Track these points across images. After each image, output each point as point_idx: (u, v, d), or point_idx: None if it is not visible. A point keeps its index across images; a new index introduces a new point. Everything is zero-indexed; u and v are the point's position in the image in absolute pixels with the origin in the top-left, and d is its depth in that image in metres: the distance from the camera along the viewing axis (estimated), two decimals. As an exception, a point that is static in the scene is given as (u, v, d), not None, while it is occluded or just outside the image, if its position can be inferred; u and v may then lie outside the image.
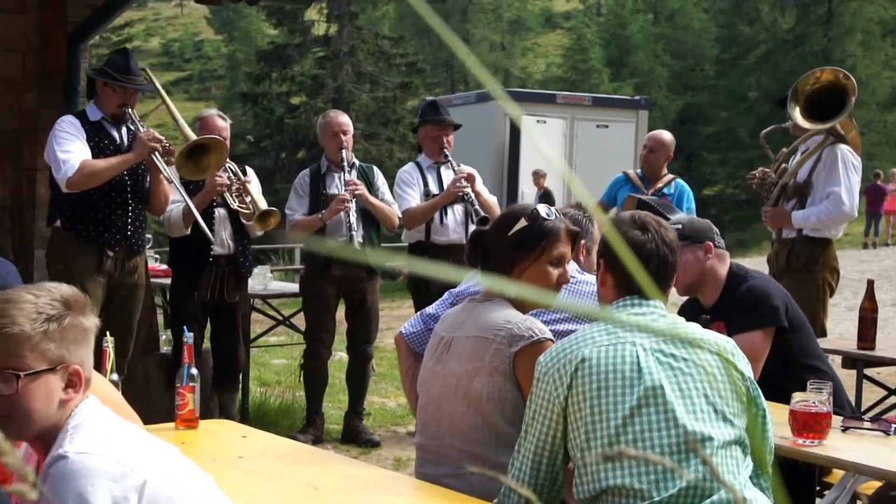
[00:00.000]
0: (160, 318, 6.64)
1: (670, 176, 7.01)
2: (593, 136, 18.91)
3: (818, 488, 4.00)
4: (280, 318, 7.52)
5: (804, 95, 5.71)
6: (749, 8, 42.85)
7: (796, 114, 5.68)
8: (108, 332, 3.39)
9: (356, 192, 6.09)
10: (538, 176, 17.74)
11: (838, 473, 3.60)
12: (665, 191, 6.83)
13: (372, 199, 6.19)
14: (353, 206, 6.06)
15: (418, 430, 3.27)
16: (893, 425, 3.39)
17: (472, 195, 6.24)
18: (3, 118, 6.29)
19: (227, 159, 5.81)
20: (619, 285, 2.79)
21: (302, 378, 6.54)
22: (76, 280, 5.11)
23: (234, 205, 5.77)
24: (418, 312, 3.70)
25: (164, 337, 6.38)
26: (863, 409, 5.17)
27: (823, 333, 5.66)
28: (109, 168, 5.19)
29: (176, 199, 5.73)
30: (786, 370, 3.89)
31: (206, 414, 4.39)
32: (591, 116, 19.22)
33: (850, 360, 5.27)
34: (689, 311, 4.18)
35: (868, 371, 5.35)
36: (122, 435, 2.06)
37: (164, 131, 5.89)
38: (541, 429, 2.71)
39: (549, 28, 64.18)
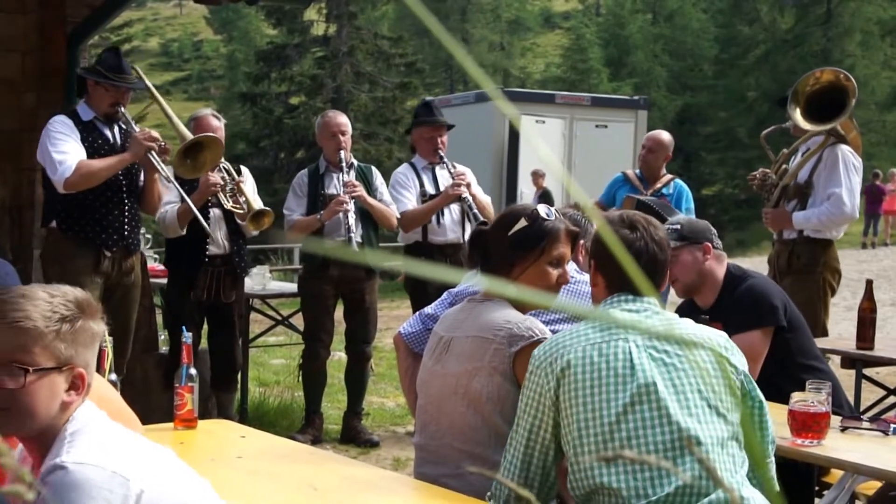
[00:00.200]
0: (159, 318, 6.62)
1: (669, 176, 7.01)
2: (592, 136, 18.90)
3: (817, 488, 4.00)
4: (279, 318, 7.52)
5: (804, 96, 5.71)
6: (748, 8, 42.85)
7: (797, 115, 5.67)
8: (106, 333, 3.39)
9: (354, 193, 6.08)
10: (537, 176, 17.74)
11: (837, 473, 3.60)
12: (664, 191, 6.83)
13: (370, 199, 6.19)
14: (351, 207, 6.05)
15: (417, 429, 3.27)
16: (892, 425, 3.40)
17: (470, 197, 6.25)
18: (3, 118, 6.29)
19: (223, 159, 5.80)
20: (610, 285, 2.80)
21: (301, 378, 6.54)
22: (73, 281, 5.10)
23: (228, 205, 5.73)
24: (417, 312, 3.70)
25: (162, 337, 6.38)
26: (862, 409, 5.17)
27: (825, 334, 5.66)
28: (107, 168, 5.17)
29: (170, 199, 5.72)
30: (784, 370, 3.89)
31: (204, 414, 4.39)
32: (590, 116, 19.22)
33: (848, 360, 5.27)
34: (687, 313, 4.19)
35: (867, 371, 5.35)
36: (120, 443, 2.05)
37: (164, 131, 5.88)
38: (532, 421, 2.72)
39: (548, 28, 64.18)
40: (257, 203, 5.82)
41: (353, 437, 6.42)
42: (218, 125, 5.91)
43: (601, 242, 2.84)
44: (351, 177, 6.21)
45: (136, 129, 5.36)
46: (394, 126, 31.22)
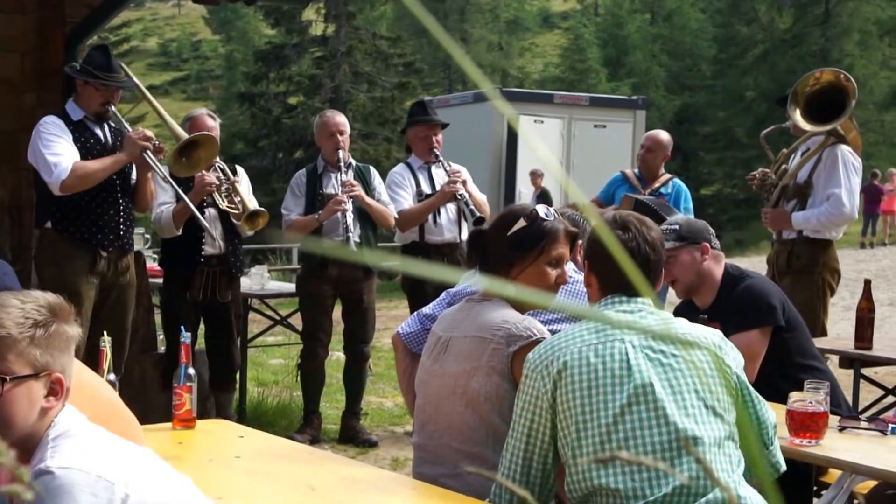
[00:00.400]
0: (158, 319, 6.62)
1: (667, 176, 7.01)
2: (591, 135, 18.90)
3: (815, 488, 4.00)
4: (277, 318, 7.52)
5: (804, 97, 5.71)
6: (746, 8, 42.86)
7: (797, 115, 5.67)
8: (105, 333, 3.39)
9: (352, 192, 6.08)
10: (536, 176, 17.74)
11: (835, 473, 3.60)
12: (662, 190, 6.83)
13: (368, 199, 6.19)
14: (349, 207, 6.05)
15: (416, 429, 3.27)
16: (890, 425, 3.40)
17: (467, 195, 6.25)
18: (2, 118, 6.29)
19: (218, 158, 5.78)
20: (604, 286, 2.80)
21: (299, 378, 6.54)
22: (70, 282, 5.10)
23: (223, 205, 5.71)
24: (415, 312, 3.70)
25: (161, 337, 6.38)
26: (860, 409, 5.18)
27: (824, 334, 5.66)
28: (103, 169, 5.14)
29: (166, 199, 5.70)
30: (782, 370, 3.90)
31: (202, 414, 4.39)
32: (589, 116, 19.21)
33: (847, 360, 5.28)
34: (685, 313, 4.19)
35: (865, 371, 5.35)
36: (103, 446, 2.04)
37: (162, 131, 5.88)
38: (529, 425, 2.72)
39: (546, 28, 64.19)
40: (252, 203, 5.80)
41: (352, 436, 6.42)
42: (213, 125, 5.88)
43: (595, 243, 2.84)
44: (349, 177, 6.21)
45: (128, 128, 5.35)
46: (392, 126, 31.21)
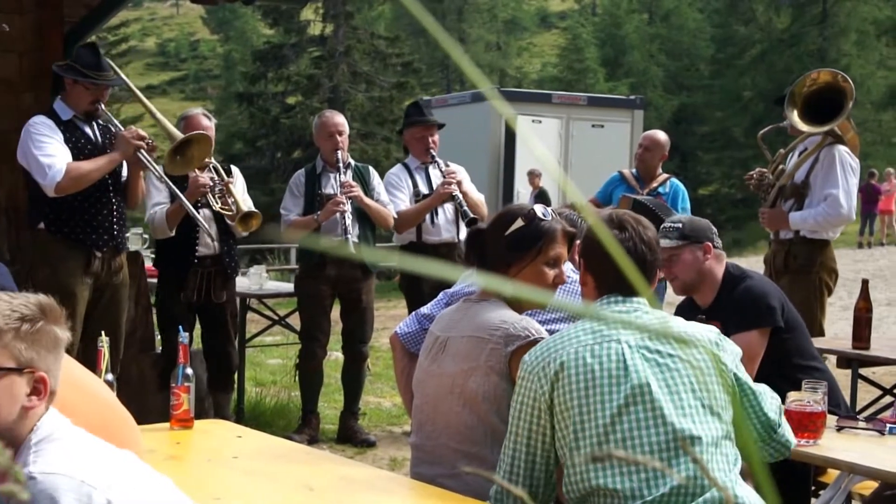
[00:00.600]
0: (155, 319, 6.61)
1: (665, 175, 7.02)
2: (589, 135, 18.91)
3: (813, 488, 4.00)
4: (275, 318, 7.52)
5: (801, 97, 5.71)
6: (744, 8, 42.88)
7: (794, 116, 5.67)
8: (103, 332, 3.39)
9: (351, 193, 6.08)
10: (533, 176, 17.74)
11: (833, 473, 3.60)
12: (660, 190, 6.84)
13: (367, 200, 6.19)
14: (348, 207, 6.05)
15: (413, 429, 3.27)
16: (888, 425, 3.40)
17: (461, 195, 6.25)
18: (0, 119, 6.28)
19: (212, 159, 5.77)
20: (600, 285, 2.80)
21: (297, 378, 6.54)
22: (64, 283, 5.09)
23: (217, 206, 5.67)
24: (413, 312, 3.70)
25: (159, 337, 6.37)
26: (858, 409, 5.18)
27: (821, 334, 5.66)
28: (97, 170, 5.12)
29: (160, 200, 5.69)
30: (781, 371, 3.90)
31: (200, 414, 4.39)
32: (587, 116, 19.22)
33: (845, 360, 5.28)
34: (686, 311, 4.19)
35: (863, 371, 5.35)
36: (85, 451, 2.02)
37: (158, 131, 5.86)
38: (530, 427, 2.72)
39: (544, 28, 64.20)
40: (245, 204, 5.78)
41: (350, 436, 6.41)
42: (208, 124, 5.86)
43: (591, 242, 2.84)
44: (348, 177, 6.21)
45: (119, 125, 5.33)
46: (391, 126, 31.20)
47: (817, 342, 4.79)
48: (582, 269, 2.86)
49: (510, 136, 18.39)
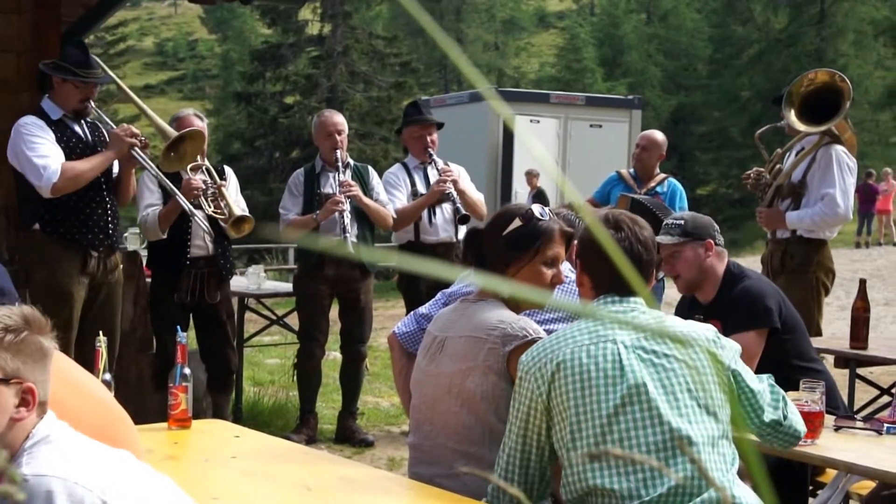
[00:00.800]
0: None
1: (663, 175, 7.02)
2: (587, 135, 18.92)
3: (811, 488, 4.01)
4: (274, 317, 7.52)
5: (799, 97, 5.71)
6: (742, 8, 42.89)
7: (791, 116, 5.67)
8: (100, 333, 3.39)
9: (350, 192, 6.08)
10: (531, 176, 17.75)
11: (831, 473, 3.60)
12: (658, 189, 6.84)
13: (366, 199, 6.18)
14: (347, 207, 6.05)
15: (411, 429, 3.27)
16: (886, 425, 3.40)
17: (455, 194, 6.25)
18: (-2, 118, 6.27)
19: (206, 161, 5.75)
20: (597, 285, 2.80)
21: (295, 378, 6.54)
22: (61, 284, 5.08)
23: (209, 210, 5.62)
24: (411, 312, 3.70)
25: (157, 337, 6.36)
26: (855, 409, 5.18)
27: (819, 334, 5.67)
28: (92, 169, 5.10)
29: (152, 202, 5.67)
30: (780, 372, 3.89)
31: (198, 414, 4.39)
32: (585, 116, 19.23)
33: (842, 360, 5.28)
34: (687, 308, 4.20)
35: (860, 370, 5.36)
36: (79, 452, 2.01)
37: (151, 129, 5.85)
38: (525, 426, 2.73)
39: (542, 28, 64.21)
40: (239, 206, 5.76)
41: (348, 436, 6.41)
42: (200, 125, 5.83)
43: (588, 243, 2.84)
44: (347, 176, 6.20)
45: (109, 123, 5.32)
46: (389, 126, 31.19)
47: (815, 342, 4.80)
48: (579, 269, 2.86)
49: (508, 136, 18.40)
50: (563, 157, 18.79)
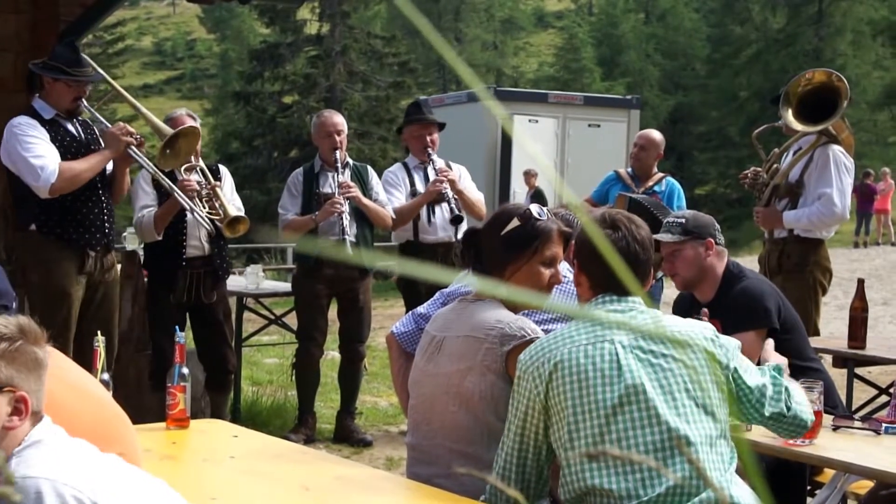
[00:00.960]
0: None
1: (661, 174, 7.02)
2: (585, 135, 18.92)
3: (809, 487, 4.01)
4: (272, 317, 7.52)
5: (796, 97, 5.72)
6: (740, 7, 42.91)
7: (788, 115, 5.68)
8: (99, 332, 3.39)
9: (349, 193, 6.08)
10: (529, 175, 17.75)
11: (829, 473, 3.60)
12: (656, 189, 6.84)
13: (365, 200, 6.18)
14: (345, 208, 6.05)
15: (410, 429, 3.27)
16: (884, 424, 3.40)
17: (450, 193, 6.25)
18: (-4, 118, 6.26)
19: (200, 161, 5.74)
20: (594, 285, 2.80)
21: (294, 377, 6.54)
22: (59, 285, 5.07)
23: (204, 211, 5.59)
24: (410, 312, 3.70)
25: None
26: (853, 409, 5.18)
27: (816, 333, 5.67)
28: (89, 169, 5.09)
29: (147, 203, 5.67)
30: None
31: (196, 414, 4.39)
32: (583, 115, 19.23)
33: (840, 360, 5.29)
34: (685, 306, 4.19)
35: (859, 370, 5.36)
36: (70, 455, 2.01)
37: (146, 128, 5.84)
38: (523, 426, 2.73)
39: (540, 27, 64.22)
40: (234, 205, 5.75)
41: (347, 436, 6.41)
42: (194, 125, 5.84)
43: (585, 242, 2.84)
44: (346, 176, 6.20)
45: (103, 121, 5.30)
46: (387, 125, 31.22)
47: (813, 342, 4.80)
48: (576, 270, 2.86)
49: (507, 136, 18.39)
50: (561, 156, 18.79)
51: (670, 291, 5.61)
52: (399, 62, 33.67)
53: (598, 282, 2.79)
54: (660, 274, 5.35)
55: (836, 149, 5.70)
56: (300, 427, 6.36)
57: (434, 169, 6.40)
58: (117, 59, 45.26)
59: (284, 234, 6.43)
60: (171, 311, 5.71)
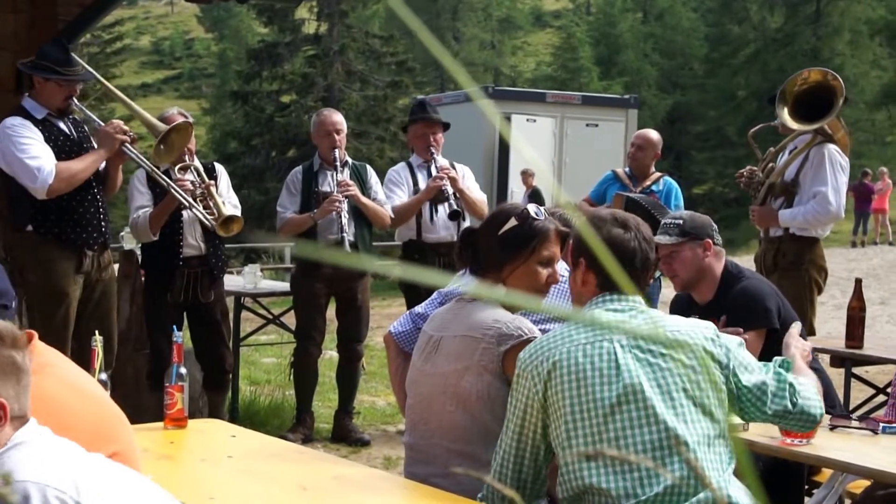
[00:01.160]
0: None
1: (658, 174, 7.02)
2: (583, 134, 18.93)
3: (807, 487, 4.01)
4: (270, 316, 7.51)
5: (792, 96, 5.73)
6: (738, 7, 42.93)
7: (784, 114, 5.70)
8: (97, 332, 3.39)
9: (348, 192, 6.08)
10: (527, 175, 17.76)
11: (827, 472, 3.61)
12: (653, 188, 6.84)
13: (364, 199, 6.18)
14: (344, 206, 6.05)
15: (407, 429, 3.27)
16: (881, 424, 3.40)
17: (450, 191, 6.25)
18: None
19: (196, 159, 5.74)
20: (603, 284, 2.79)
21: (292, 377, 6.53)
22: (57, 285, 5.07)
23: (199, 210, 5.58)
24: (408, 311, 3.70)
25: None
26: (851, 408, 5.19)
27: (812, 332, 5.68)
28: (86, 169, 5.09)
29: (143, 203, 5.66)
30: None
31: (194, 413, 4.38)
32: (581, 115, 19.24)
33: (838, 359, 5.29)
34: (683, 307, 4.19)
35: (856, 370, 5.36)
36: (52, 455, 2.00)
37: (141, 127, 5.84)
38: (521, 424, 2.73)
39: (538, 27, 64.22)
40: (230, 205, 5.74)
41: (344, 435, 6.41)
42: (187, 120, 5.83)
43: (594, 241, 2.83)
44: (345, 175, 6.20)
45: (94, 118, 5.29)
46: (385, 125, 31.23)
47: (811, 341, 4.80)
48: (582, 268, 2.83)
49: (504, 136, 18.40)
50: (559, 156, 18.80)
51: (668, 291, 5.61)
52: (397, 61, 33.66)
53: (608, 280, 2.78)
54: (658, 273, 5.35)
55: (832, 148, 5.71)
56: (298, 426, 6.36)
57: (437, 168, 6.40)
58: (115, 59, 45.22)
59: (283, 233, 6.43)
60: (168, 310, 5.71)
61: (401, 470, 3.95)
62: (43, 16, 6.34)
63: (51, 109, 5.18)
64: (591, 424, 2.62)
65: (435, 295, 3.62)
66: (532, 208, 3.16)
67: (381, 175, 6.70)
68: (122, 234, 6.90)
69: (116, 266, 5.85)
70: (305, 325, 6.36)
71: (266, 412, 6.98)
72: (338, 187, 6.10)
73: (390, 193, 6.40)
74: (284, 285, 7.55)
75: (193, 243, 5.76)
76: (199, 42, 66.01)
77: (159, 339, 5.68)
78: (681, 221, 4.09)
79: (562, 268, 3.31)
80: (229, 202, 5.78)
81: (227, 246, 6.18)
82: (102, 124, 5.28)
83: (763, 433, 3.23)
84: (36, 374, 2.10)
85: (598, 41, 48.51)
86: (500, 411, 2.95)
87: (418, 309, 3.62)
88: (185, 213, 5.68)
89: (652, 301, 6.06)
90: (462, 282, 3.45)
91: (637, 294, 2.81)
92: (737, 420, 3.12)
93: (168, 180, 5.43)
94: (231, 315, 6.46)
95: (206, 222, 5.57)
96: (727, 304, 4.02)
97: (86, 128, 5.37)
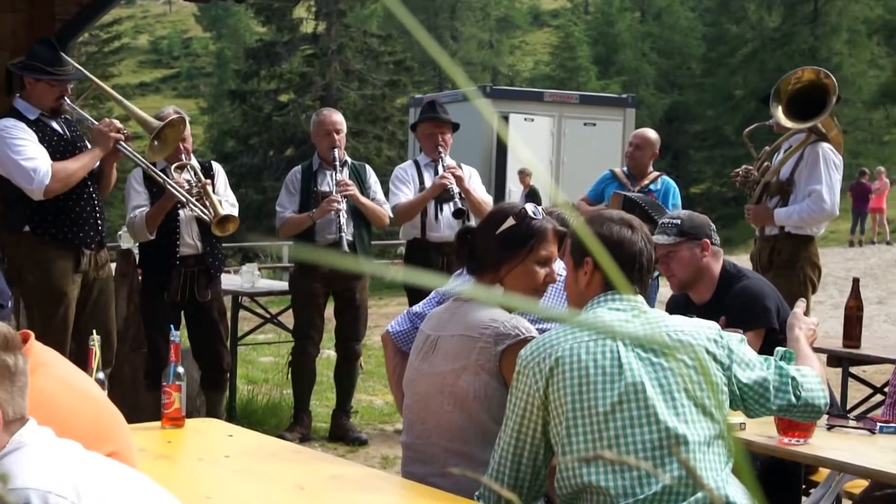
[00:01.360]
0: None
1: (656, 173, 7.02)
2: (581, 134, 18.94)
3: (804, 486, 4.01)
4: (267, 315, 7.51)
5: (786, 94, 5.75)
6: (735, 6, 42.95)
7: (779, 113, 5.71)
8: (94, 331, 3.38)
9: (347, 192, 6.08)
10: (524, 174, 17.76)
11: (824, 472, 3.61)
12: (651, 187, 6.84)
13: (363, 199, 6.18)
14: (343, 206, 6.05)
15: (404, 429, 3.27)
16: (879, 424, 3.40)
17: (455, 190, 6.24)
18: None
19: (193, 158, 5.74)
20: (609, 284, 2.78)
21: (289, 376, 6.53)
22: (55, 285, 5.06)
23: (195, 205, 5.56)
24: (405, 311, 3.70)
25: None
26: (848, 408, 5.19)
27: (808, 331, 5.68)
28: (82, 168, 5.08)
29: (139, 203, 5.66)
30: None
31: (191, 413, 4.38)
32: (579, 114, 19.25)
33: (835, 359, 5.29)
34: (680, 307, 4.19)
35: (853, 369, 5.37)
36: (52, 459, 1.98)
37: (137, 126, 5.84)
38: (520, 421, 2.73)
39: (536, 26, 64.22)
40: (227, 203, 5.74)
41: (342, 435, 6.41)
42: (181, 115, 5.83)
43: (604, 240, 2.83)
44: (344, 175, 6.20)
45: (87, 117, 5.29)
46: (383, 124, 31.24)
47: (808, 340, 4.81)
48: (589, 267, 2.81)
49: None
50: (557, 155, 18.81)
51: (666, 290, 5.61)
52: (395, 61, 33.67)
53: (612, 280, 2.78)
54: (656, 273, 5.35)
55: (826, 146, 5.74)
56: (295, 426, 6.36)
57: (443, 167, 6.40)
58: (113, 58, 45.20)
59: (282, 232, 6.44)
60: (165, 309, 5.71)
61: (398, 469, 3.95)
62: (41, 15, 6.33)
63: (43, 109, 5.16)
64: (591, 422, 2.61)
65: (433, 294, 3.62)
66: (530, 208, 3.16)
67: (379, 174, 6.70)
68: (119, 233, 6.90)
69: (113, 265, 5.85)
70: (303, 324, 6.36)
71: (263, 411, 6.98)
72: (337, 187, 6.10)
73: (396, 191, 6.39)
74: (282, 284, 7.55)
75: (190, 242, 5.75)
76: (197, 41, 65.99)
77: (156, 338, 5.68)
78: (679, 221, 4.09)
79: (559, 267, 3.30)
80: (226, 201, 5.78)
81: (224, 245, 6.17)
82: (96, 123, 5.27)
83: (760, 433, 3.23)
84: (32, 374, 2.10)
85: (596, 40, 48.53)
86: (496, 411, 2.95)
87: (416, 308, 3.62)
88: (181, 212, 5.67)
89: (650, 300, 6.06)
90: (460, 281, 3.45)
91: (639, 295, 2.81)
92: (734, 419, 3.13)
93: (164, 176, 5.43)
94: (229, 314, 6.46)
95: (202, 215, 5.57)
96: (727, 304, 4.02)
97: (79, 127, 5.36)
